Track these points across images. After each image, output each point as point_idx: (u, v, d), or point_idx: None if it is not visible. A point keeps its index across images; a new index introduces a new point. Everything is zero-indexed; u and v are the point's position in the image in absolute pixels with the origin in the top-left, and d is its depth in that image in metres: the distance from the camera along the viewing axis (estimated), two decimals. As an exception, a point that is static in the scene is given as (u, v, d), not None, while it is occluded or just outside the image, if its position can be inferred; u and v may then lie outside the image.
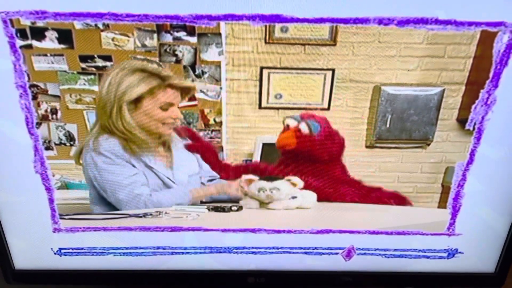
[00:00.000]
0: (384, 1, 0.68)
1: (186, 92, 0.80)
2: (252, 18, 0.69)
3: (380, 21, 0.70)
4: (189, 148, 0.88)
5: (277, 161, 0.89)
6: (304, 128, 0.84)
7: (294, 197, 0.88)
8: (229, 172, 0.88)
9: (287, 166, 0.89)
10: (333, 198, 0.90)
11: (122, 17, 0.69)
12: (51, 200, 0.84)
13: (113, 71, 0.76)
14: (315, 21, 0.69)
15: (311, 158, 0.89)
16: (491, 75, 0.75)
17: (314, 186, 0.89)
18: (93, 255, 0.92)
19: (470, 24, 0.70)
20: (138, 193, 0.85)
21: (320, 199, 0.89)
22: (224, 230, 0.89)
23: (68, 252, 0.91)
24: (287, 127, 0.84)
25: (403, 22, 0.70)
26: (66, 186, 0.85)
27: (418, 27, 0.70)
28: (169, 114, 0.81)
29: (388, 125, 0.83)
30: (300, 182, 0.87)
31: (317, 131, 0.84)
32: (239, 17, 0.69)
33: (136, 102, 0.79)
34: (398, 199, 0.89)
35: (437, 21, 0.70)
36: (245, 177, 0.87)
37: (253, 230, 0.89)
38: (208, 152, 0.87)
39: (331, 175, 0.89)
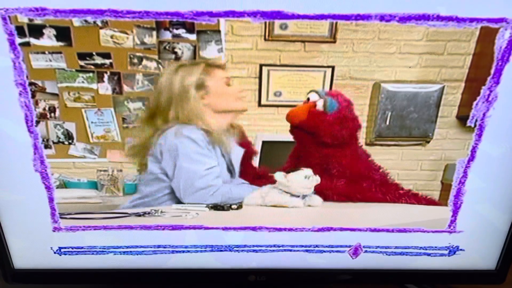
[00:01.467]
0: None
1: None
2: (253, 14, 0.69)
3: (382, 18, 0.70)
4: (241, 144, 0.88)
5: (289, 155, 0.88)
6: (319, 104, 0.82)
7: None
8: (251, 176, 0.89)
9: (298, 158, 0.88)
10: (352, 193, 0.88)
11: (123, 14, 0.69)
12: (50, 199, 0.84)
13: (167, 71, 0.77)
14: (316, 17, 0.69)
15: (314, 137, 0.86)
16: (492, 71, 0.74)
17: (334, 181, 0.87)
18: (93, 254, 0.92)
19: (472, 20, 0.70)
20: (212, 184, 0.86)
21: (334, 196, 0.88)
22: (225, 228, 0.89)
23: (68, 251, 0.91)
24: (307, 101, 0.82)
25: (405, 19, 0.70)
26: (64, 185, 0.85)
27: (419, 24, 0.70)
28: (235, 87, 0.80)
29: (388, 123, 0.83)
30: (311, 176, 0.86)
31: (332, 110, 0.82)
32: (240, 14, 0.69)
33: (202, 87, 0.80)
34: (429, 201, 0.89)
35: (438, 18, 0.70)
36: (279, 174, 0.86)
37: (254, 228, 0.89)
38: (249, 153, 0.87)
39: (345, 164, 0.87)
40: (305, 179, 0.85)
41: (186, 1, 0.68)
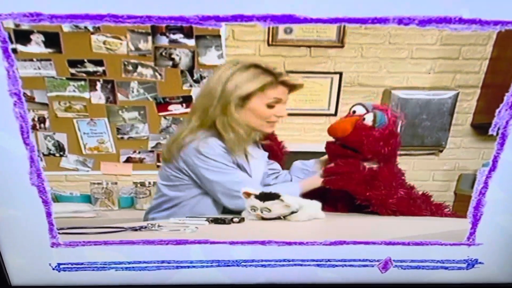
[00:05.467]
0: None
1: (293, 89, 0.76)
2: (262, 18, 0.64)
3: (400, 21, 0.65)
4: (267, 147, 0.86)
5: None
6: (368, 118, 0.78)
7: (293, 212, 0.83)
8: None
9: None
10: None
11: (123, 19, 0.63)
12: (48, 214, 0.80)
13: (223, 66, 0.72)
14: (329, 21, 0.64)
15: (355, 151, 0.81)
16: (518, 77, 0.70)
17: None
18: (93, 270, 0.88)
19: (496, 23, 0.65)
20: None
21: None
22: (232, 243, 0.85)
23: (68, 268, 0.88)
24: (352, 114, 0.78)
25: (425, 22, 0.65)
26: (56, 198, 0.80)
27: (440, 27, 0.66)
28: (274, 112, 0.78)
29: (399, 131, 0.79)
30: (293, 204, 0.81)
31: (381, 125, 0.78)
32: (248, 18, 0.64)
33: (245, 98, 0.76)
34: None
35: (461, 20, 0.65)
36: (244, 189, 0.82)
37: (262, 243, 0.85)
38: (280, 152, 0.84)
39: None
40: (250, 209, 0.82)
41: (188, 5, 0.63)
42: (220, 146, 0.80)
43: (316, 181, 0.85)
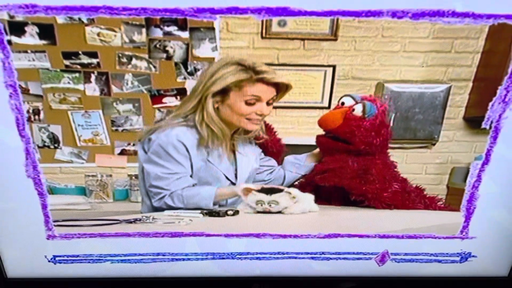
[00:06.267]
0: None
1: (282, 89, 0.77)
2: (257, 11, 0.64)
3: (394, 14, 0.65)
4: (261, 143, 0.85)
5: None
6: (358, 108, 0.78)
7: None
8: None
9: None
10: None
11: (119, 11, 0.64)
12: (44, 206, 0.80)
13: (215, 63, 0.73)
14: (324, 14, 0.65)
15: (347, 143, 0.82)
16: (510, 70, 0.70)
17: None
18: (89, 262, 0.88)
19: (489, 16, 0.66)
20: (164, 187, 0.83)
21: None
22: (227, 235, 0.85)
23: (63, 260, 0.88)
24: (341, 105, 0.79)
25: (418, 15, 0.65)
26: (51, 191, 0.80)
27: (433, 20, 0.66)
28: (254, 109, 0.78)
29: (391, 124, 0.79)
30: (298, 196, 0.82)
31: (371, 115, 0.78)
32: (243, 10, 0.64)
33: (223, 94, 0.76)
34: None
35: (454, 14, 0.65)
36: (243, 185, 0.83)
37: (257, 235, 0.85)
38: (276, 148, 0.85)
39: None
40: (256, 204, 0.82)
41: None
42: (185, 137, 0.79)
43: (234, 190, 0.85)
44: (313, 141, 0.84)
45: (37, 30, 0.67)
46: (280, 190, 0.82)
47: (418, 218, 0.86)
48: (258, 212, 0.84)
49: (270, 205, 0.81)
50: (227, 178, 0.84)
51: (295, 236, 0.86)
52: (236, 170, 0.85)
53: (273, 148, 0.85)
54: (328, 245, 0.87)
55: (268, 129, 0.82)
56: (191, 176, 0.83)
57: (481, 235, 0.87)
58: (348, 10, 0.65)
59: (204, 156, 0.82)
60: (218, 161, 0.83)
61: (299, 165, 0.87)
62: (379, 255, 0.88)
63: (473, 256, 0.90)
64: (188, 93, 0.76)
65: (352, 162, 0.82)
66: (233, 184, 0.86)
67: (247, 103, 0.77)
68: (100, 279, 0.91)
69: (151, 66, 0.73)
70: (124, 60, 0.72)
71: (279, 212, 0.84)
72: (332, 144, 0.83)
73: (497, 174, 0.80)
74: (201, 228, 0.84)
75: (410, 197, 0.84)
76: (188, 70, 0.73)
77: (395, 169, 0.83)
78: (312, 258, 0.89)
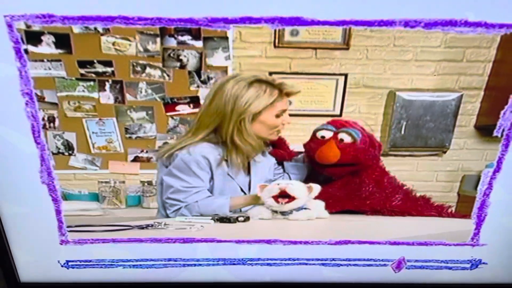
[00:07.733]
0: (409, 2, 0.64)
1: (291, 95, 0.79)
2: (271, 20, 0.65)
3: (406, 24, 0.66)
4: (274, 153, 0.87)
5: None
6: (345, 137, 0.81)
7: (305, 208, 0.84)
8: None
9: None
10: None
11: (134, 20, 0.65)
12: (58, 211, 0.81)
13: (227, 83, 0.75)
14: (336, 23, 0.65)
15: (354, 166, 0.85)
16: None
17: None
18: (101, 267, 0.89)
19: (501, 26, 0.66)
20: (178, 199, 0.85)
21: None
22: (238, 241, 0.86)
23: (76, 265, 0.89)
24: (322, 139, 0.81)
25: (431, 25, 0.66)
26: (65, 197, 0.81)
27: (446, 30, 0.66)
28: (281, 120, 0.81)
29: (403, 132, 0.80)
30: (317, 188, 0.83)
31: (359, 138, 0.81)
32: (257, 20, 0.65)
33: (257, 113, 0.79)
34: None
35: (466, 23, 0.66)
36: (258, 184, 0.84)
37: (268, 241, 0.86)
38: (288, 157, 0.87)
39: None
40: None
41: (196, 7, 0.64)
42: (210, 154, 0.82)
43: (247, 197, 0.86)
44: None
45: (53, 39, 0.68)
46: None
47: (428, 225, 0.86)
48: (274, 211, 0.84)
49: (286, 198, 0.83)
50: (242, 190, 0.85)
51: (306, 243, 0.86)
52: (249, 182, 0.86)
53: (286, 156, 0.87)
54: (338, 251, 0.88)
55: (281, 142, 0.84)
56: (208, 189, 0.84)
57: (491, 242, 0.87)
58: (360, 20, 0.65)
59: (224, 171, 0.83)
60: (236, 174, 0.84)
61: (299, 166, 0.88)
62: (395, 262, 0.89)
63: (484, 263, 0.90)
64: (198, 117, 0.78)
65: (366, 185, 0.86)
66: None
67: (277, 116, 0.80)
68: (112, 284, 0.92)
69: (164, 74, 0.74)
70: (138, 68, 0.73)
71: (290, 212, 0.84)
72: (343, 170, 0.85)
73: (508, 182, 0.80)
74: (212, 234, 0.85)
75: (418, 203, 0.85)
76: (202, 79, 0.74)
77: (390, 176, 0.84)
78: (323, 264, 0.90)
